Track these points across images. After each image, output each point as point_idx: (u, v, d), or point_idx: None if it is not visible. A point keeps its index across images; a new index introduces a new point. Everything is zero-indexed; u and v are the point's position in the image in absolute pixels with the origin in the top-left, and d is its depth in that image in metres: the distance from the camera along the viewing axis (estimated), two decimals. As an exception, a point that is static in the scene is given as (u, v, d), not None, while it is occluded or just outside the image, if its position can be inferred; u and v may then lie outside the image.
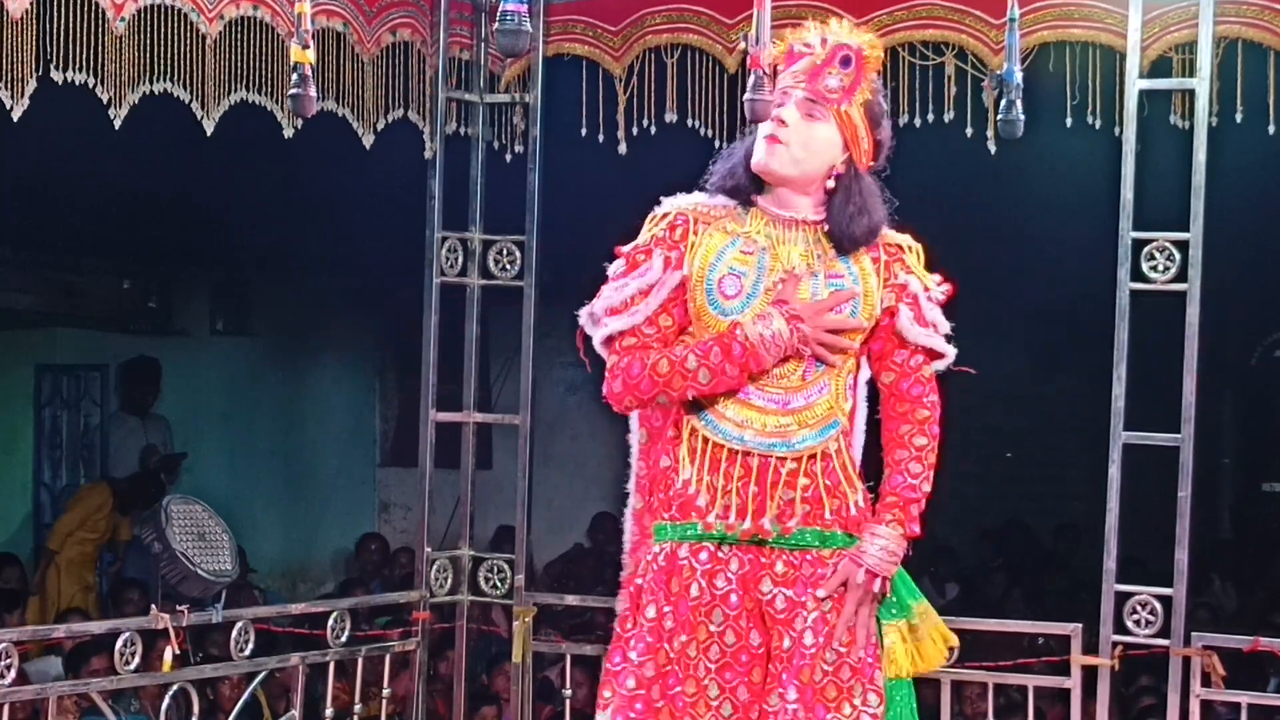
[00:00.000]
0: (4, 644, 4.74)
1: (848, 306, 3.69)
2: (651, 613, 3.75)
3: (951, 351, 3.80)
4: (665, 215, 3.78)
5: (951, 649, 3.94)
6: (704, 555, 3.73)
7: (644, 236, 3.78)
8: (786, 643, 3.69)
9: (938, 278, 3.84)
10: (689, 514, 3.73)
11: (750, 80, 3.34)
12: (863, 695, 3.66)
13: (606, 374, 3.78)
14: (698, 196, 3.81)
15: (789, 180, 3.70)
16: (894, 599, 3.79)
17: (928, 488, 3.74)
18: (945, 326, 3.80)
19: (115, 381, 10.30)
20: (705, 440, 3.71)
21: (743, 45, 3.50)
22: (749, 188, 3.75)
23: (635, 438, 3.94)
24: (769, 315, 3.65)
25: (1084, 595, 7.45)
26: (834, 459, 3.71)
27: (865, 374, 3.86)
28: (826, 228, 3.72)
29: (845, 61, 3.69)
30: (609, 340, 3.77)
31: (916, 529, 3.73)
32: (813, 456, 3.68)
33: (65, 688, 5.44)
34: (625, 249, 3.79)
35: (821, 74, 3.69)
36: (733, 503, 3.69)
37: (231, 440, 10.82)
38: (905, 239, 3.81)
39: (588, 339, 3.80)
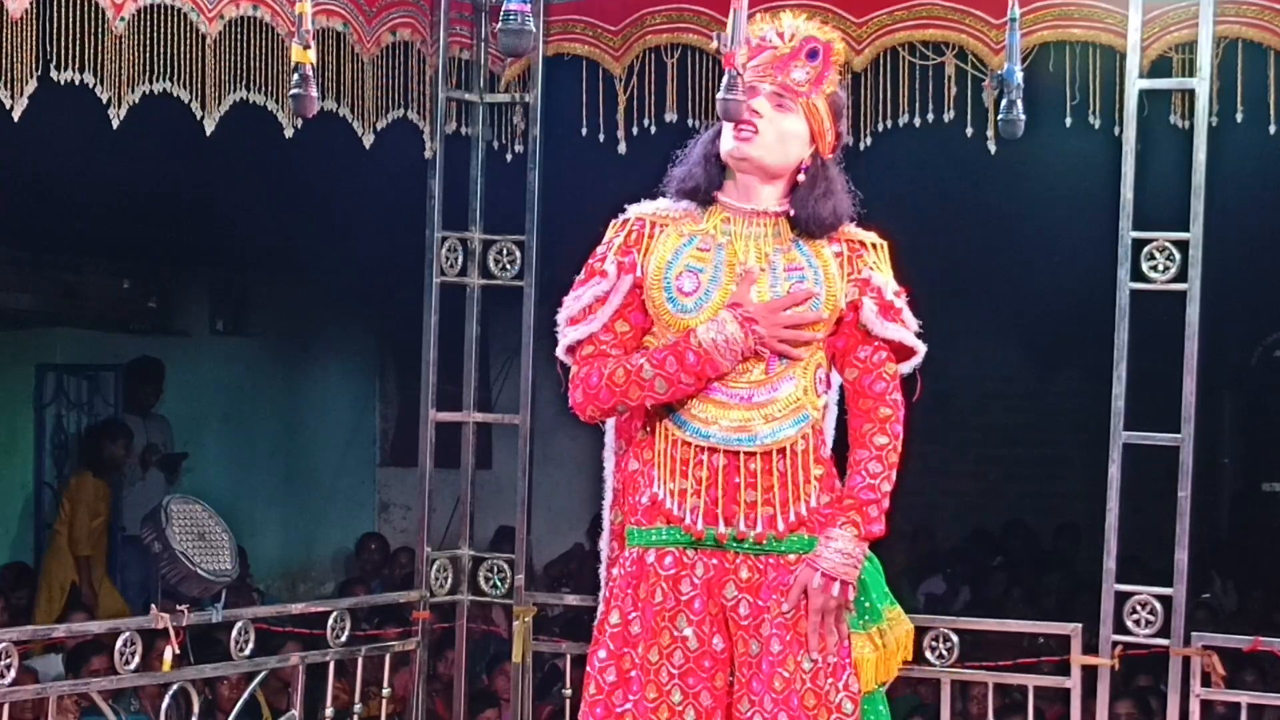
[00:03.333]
0: (4, 644, 4.74)
1: (808, 302, 3.68)
2: (615, 619, 3.75)
3: (922, 347, 3.77)
4: (625, 222, 3.81)
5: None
6: (669, 560, 3.72)
7: (603, 245, 3.81)
8: (754, 648, 3.68)
9: (893, 283, 3.78)
10: (655, 519, 3.73)
11: (724, 80, 3.34)
12: (838, 701, 3.66)
13: (569, 384, 3.81)
14: (660, 202, 3.82)
15: (764, 168, 3.70)
16: (866, 604, 3.76)
17: (888, 487, 3.69)
18: (914, 324, 3.77)
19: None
20: (674, 440, 3.70)
21: (715, 44, 3.49)
22: (709, 185, 3.76)
23: (610, 450, 3.92)
24: (723, 319, 3.64)
25: (1084, 595, 7.46)
26: (801, 456, 3.68)
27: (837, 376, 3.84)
28: (791, 213, 3.72)
29: (812, 54, 3.71)
30: (571, 350, 3.81)
31: (876, 529, 3.69)
32: (781, 451, 3.66)
33: (65, 688, 5.44)
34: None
35: (788, 66, 3.70)
36: (698, 505, 3.67)
37: (231, 440, 10.81)
38: (869, 236, 3.79)
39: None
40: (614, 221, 3.84)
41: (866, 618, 3.77)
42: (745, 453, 3.65)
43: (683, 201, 3.79)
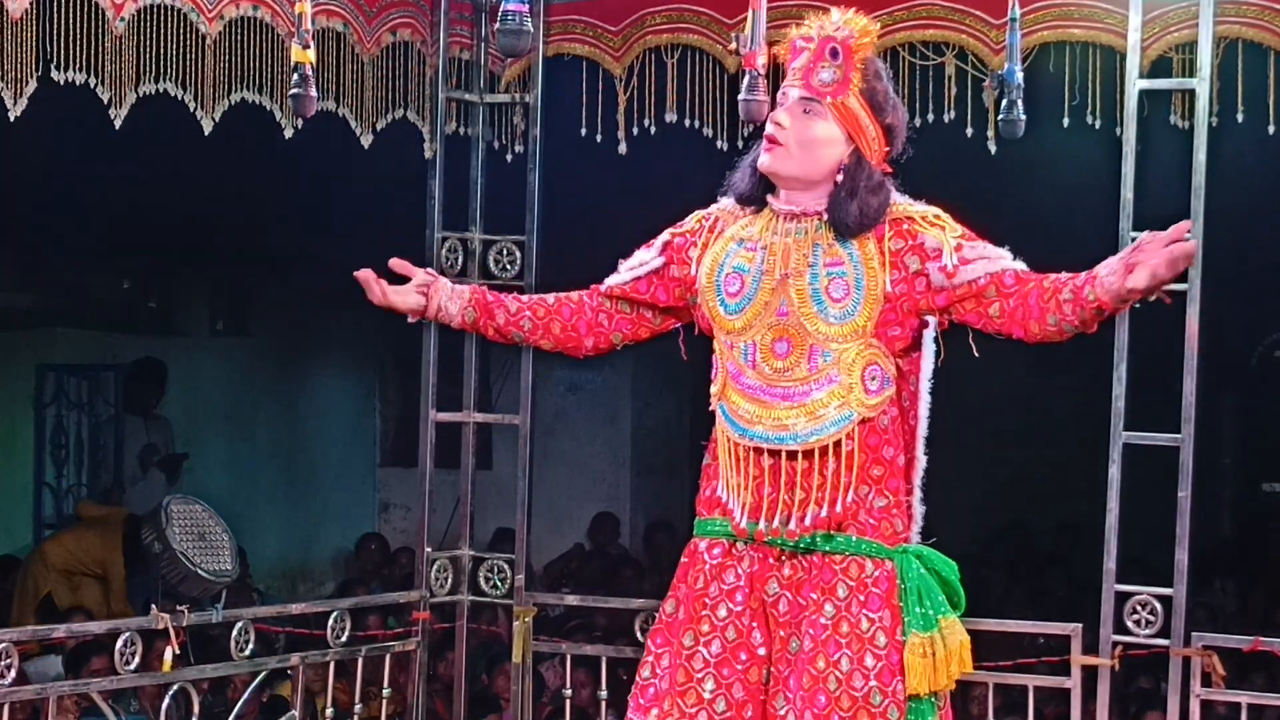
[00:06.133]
0: (4, 644, 4.74)
1: (848, 299, 3.65)
2: (670, 607, 3.79)
3: (1017, 263, 3.66)
4: (700, 213, 3.86)
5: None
6: (717, 550, 3.74)
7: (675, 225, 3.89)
8: (794, 646, 3.68)
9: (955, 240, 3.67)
10: (712, 510, 3.76)
11: (744, 81, 3.34)
12: (883, 707, 3.62)
13: None
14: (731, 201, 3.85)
15: (793, 179, 3.70)
16: (920, 610, 3.69)
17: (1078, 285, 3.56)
18: (993, 250, 3.67)
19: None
20: (727, 439, 3.71)
21: (734, 45, 3.49)
22: (753, 190, 3.77)
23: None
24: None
25: (1084, 595, 7.46)
26: (848, 457, 3.64)
27: (928, 370, 3.78)
28: (827, 216, 3.70)
29: (834, 54, 3.67)
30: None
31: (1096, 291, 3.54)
32: (824, 450, 3.64)
33: (65, 688, 5.44)
34: None
35: (814, 69, 3.68)
36: (747, 502, 3.68)
37: (232, 440, 10.82)
38: (924, 209, 3.71)
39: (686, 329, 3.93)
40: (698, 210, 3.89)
41: (920, 623, 3.67)
42: (788, 451, 3.65)
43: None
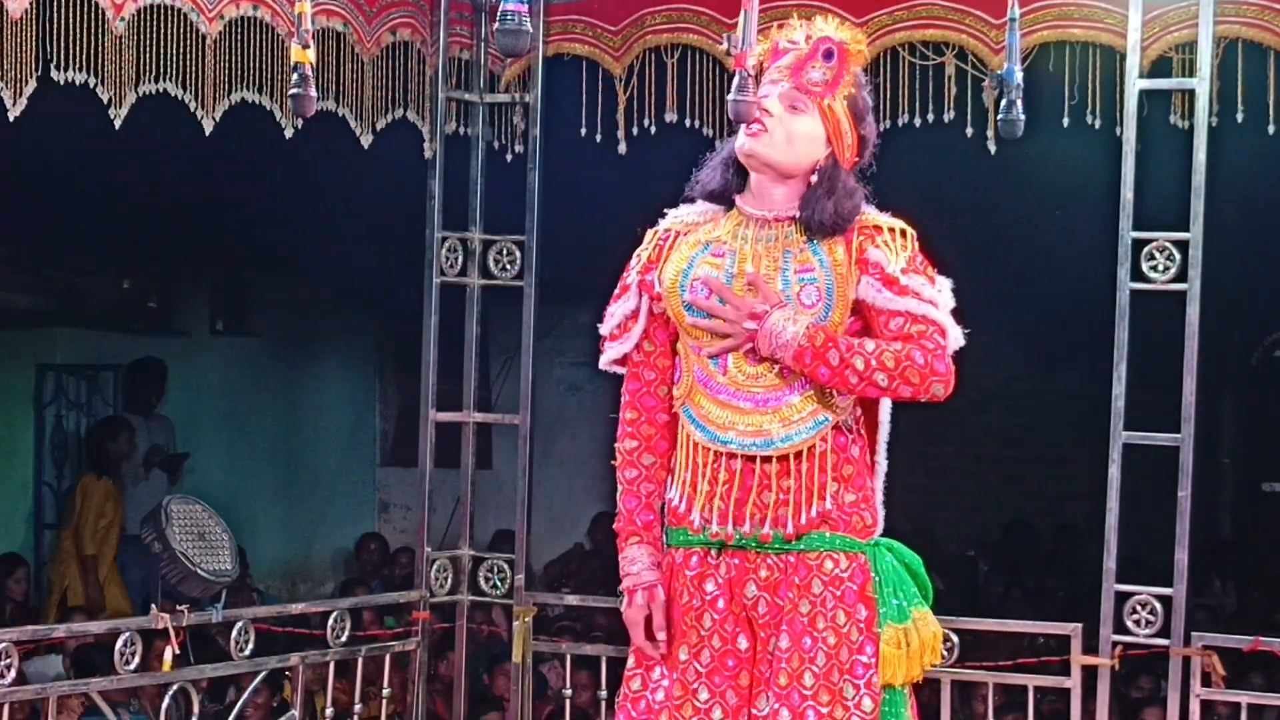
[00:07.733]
0: (4, 644, 4.74)
1: (819, 305, 3.64)
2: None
3: (942, 319, 3.63)
4: (654, 233, 3.84)
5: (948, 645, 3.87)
6: (694, 560, 3.75)
7: (633, 258, 3.85)
8: (772, 645, 3.69)
9: (904, 262, 3.66)
10: (682, 520, 3.76)
11: (734, 81, 3.35)
12: (856, 700, 3.65)
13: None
14: (693, 207, 3.82)
15: (772, 166, 3.68)
16: (896, 602, 3.73)
17: (860, 367, 3.54)
18: (937, 298, 3.64)
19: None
20: (694, 444, 3.72)
21: (724, 45, 3.48)
22: (727, 188, 3.76)
23: None
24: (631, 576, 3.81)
25: (1084, 595, 7.46)
26: (820, 458, 3.66)
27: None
28: (798, 216, 3.69)
29: (828, 55, 3.68)
30: (620, 361, 3.90)
31: (819, 369, 3.56)
32: (798, 455, 3.66)
33: (65, 688, 5.44)
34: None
35: (805, 67, 3.69)
36: (716, 508, 3.69)
37: (232, 440, 10.81)
38: (888, 220, 3.70)
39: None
40: (649, 230, 3.86)
41: (894, 615, 3.71)
42: (761, 458, 3.65)
43: (707, 205, 3.80)
